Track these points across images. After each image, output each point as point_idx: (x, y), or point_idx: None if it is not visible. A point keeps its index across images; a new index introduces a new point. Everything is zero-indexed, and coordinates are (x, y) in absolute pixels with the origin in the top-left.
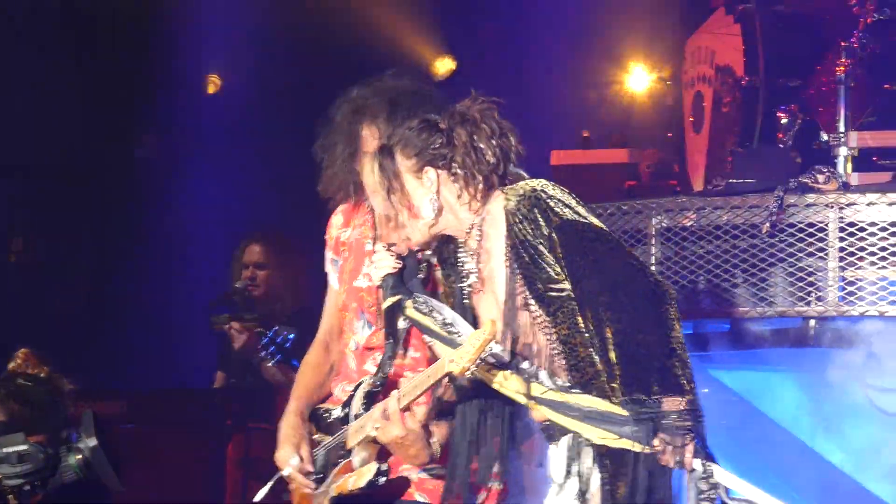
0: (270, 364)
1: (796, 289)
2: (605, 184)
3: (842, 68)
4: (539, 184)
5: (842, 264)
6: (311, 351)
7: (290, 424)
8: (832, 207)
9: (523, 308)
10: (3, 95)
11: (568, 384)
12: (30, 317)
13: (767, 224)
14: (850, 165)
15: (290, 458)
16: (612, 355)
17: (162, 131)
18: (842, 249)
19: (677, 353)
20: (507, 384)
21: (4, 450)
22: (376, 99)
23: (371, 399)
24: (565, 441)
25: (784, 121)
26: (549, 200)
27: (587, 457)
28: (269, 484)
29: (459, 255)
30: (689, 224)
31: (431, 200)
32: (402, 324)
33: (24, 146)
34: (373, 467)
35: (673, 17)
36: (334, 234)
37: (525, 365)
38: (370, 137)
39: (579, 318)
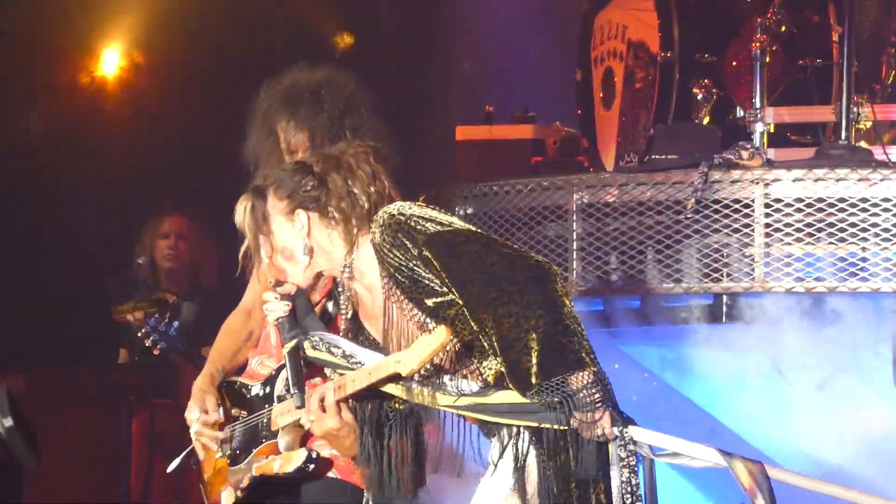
0: (156, 352)
1: (721, 265)
2: (511, 160)
3: (757, 44)
4: (395, 208)
5: (767, 240)
6: (231, 317)
7: (199, 386)
8: (757, 183)
9: (422, 328)
10: None
11: (483, 385)
12: None
13: (693, 200)
14: (766, 141)
15: (194, 413)
16: (513, 346)
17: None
18: (767, 225)
19: (571, 328)
20: (436, 400)
21: None
22: (277, 102)
23: (293, 381)
24: (504, 430)
25: (699, 97)
26: (409, 221)
27: (524, 438)
28: (182, 455)
29: (339, 293)
30: (611, 200)
31: (303, 243)
32: (302, 366)
33: None
34: (302, 454)
35: None
36: None
37: (445, 379)
38: (283, 133)
39: (471, 323)
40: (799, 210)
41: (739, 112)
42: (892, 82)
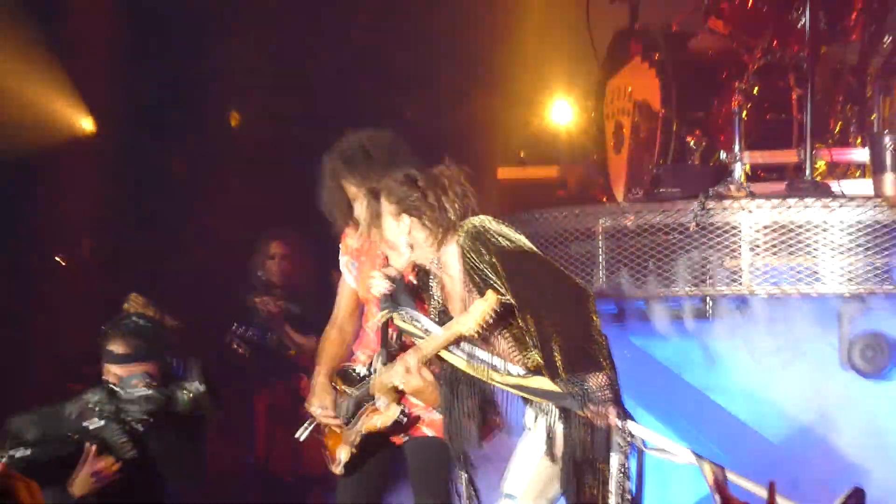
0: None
1: (717, 273)
2: (540, 194)
3: (736, 103)
4: (479, 221)
5: (751, 254)
6: (329, 330)
7: (318, 385)
8: (744, 210)
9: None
10: None
11: (524, 371)
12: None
13: (693, 223)
14: (744, 178)
15: (317, 408)
16: (549, 346)
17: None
18: (751, 243)
19: (596, 339)
20: (490, 376)
21: (133, 393)
22: (338, 164)
23: (388, 360)
24: (540, 405)
25: (691, 143)
26: (486, 234)
27: (553, 413)
28: (309, 427)
29: (430, 280)
30: (629, 224)
31: (405, 240)
32: (393, 337)
33: None
34: (396, 409)
35: (594, 63)
36: (350, 244)
37: (495, 361)
38: (350, 187)
39: (521, 321)
40: (775, 231)
41: (723, 155)
42: (838, 132)
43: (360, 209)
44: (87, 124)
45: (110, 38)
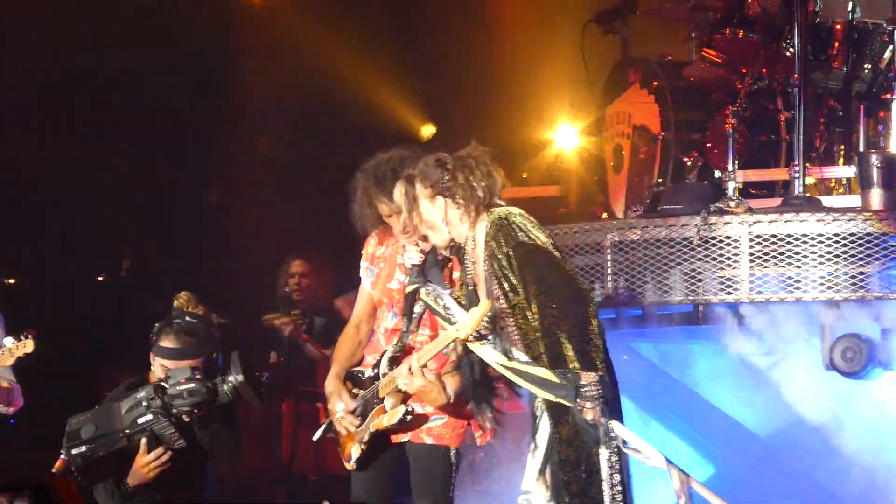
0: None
1: (718, 282)
2: (542, 212)
3: (729, 125)
4: (505, 212)
5: (751, 264)
6: (346, 331)
7: (333, 384)
8: (743, 224)
9: (497, 301)
10: None
11: (525, 359)
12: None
13: (697, 237)
14: (737, 194)
15: (338, 406)
16: (549, 340)
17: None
18: (751, 254)
19: (593, 341)
20: (487, 356)
21: (178, 388)
22: (370, 182)
23: (393, 362)
24: (537, 402)
25: (688, 163)
26: (510, 226)
27: (541, 403)
28: (323, 426)
29: (465, 258)
30: (636, 238)
31: (441, 219)
32: (417, 307)
33: None
34: (401, 409)
35: (593, 91)
36: (370, 251)
37: (499, 344)
38: (382, 206)
39: (528, 312)
40: (773, 243)
41: (717, 174)
42: (822, 151)
43: (394, 222)
44: None
45: None
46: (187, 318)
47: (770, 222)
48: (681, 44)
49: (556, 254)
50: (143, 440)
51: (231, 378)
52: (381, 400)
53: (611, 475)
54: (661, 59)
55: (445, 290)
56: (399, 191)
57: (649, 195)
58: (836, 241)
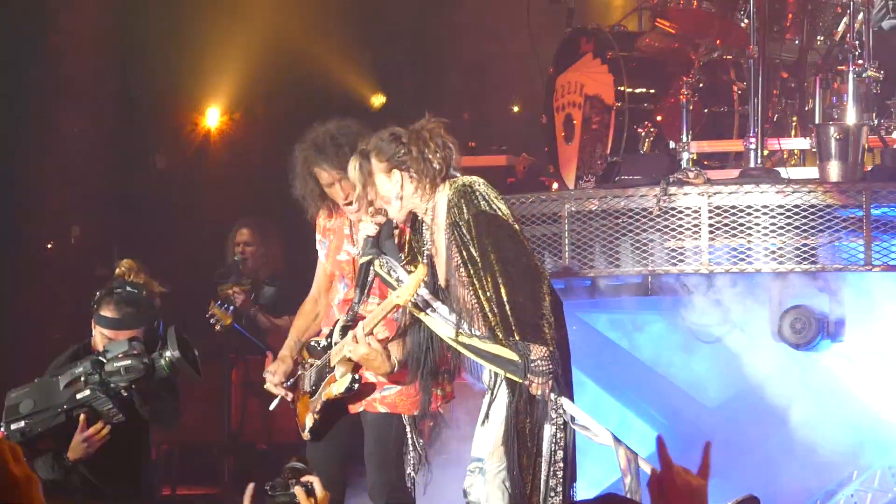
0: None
1: (676, 253)
2: (489, 181)
3: (683, 96)
4: (469, 180)
5: (710, 235)
6: (304, 303)
7: (280, 355)
8: (703, 195)
9: (457, 269)
10: None
11: (479, 333)
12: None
13: (657, 207)
14: (691, 164)
15: (267, 373)
16: (504, 310)
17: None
18: (710, 225)
19: (546, 317)
20: (440, 330)
21: (115, 364)
22: (309, 152)
23: (345, 331)
24: (491, 377)
25: (642, 134)
26: (472, 194)
27: (500, 377)
28: (277, 399)
29: (423, 228)
30: (593, 208)
31: (397, 194)
32: (369, 277)
33: None
34: (348, 377)
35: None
36: (321, 224)
37: (453, 316)
38: (322, 173)
39: (484, 281)
40: (732, 214)
41: (671, 144)
42: (775, 122)
43: (335, 192)
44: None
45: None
46: (128, 288)
47: (730, 193)
48: (634, 13)
49: (516, 226)
50: (82, 416)
51: (168, 353)
52: (333, 369)
53: (553, 452)
54: (615, 30)
55: (399, 262)
56: (353, 165)
57: (603, 165)
58: (794, 213)
